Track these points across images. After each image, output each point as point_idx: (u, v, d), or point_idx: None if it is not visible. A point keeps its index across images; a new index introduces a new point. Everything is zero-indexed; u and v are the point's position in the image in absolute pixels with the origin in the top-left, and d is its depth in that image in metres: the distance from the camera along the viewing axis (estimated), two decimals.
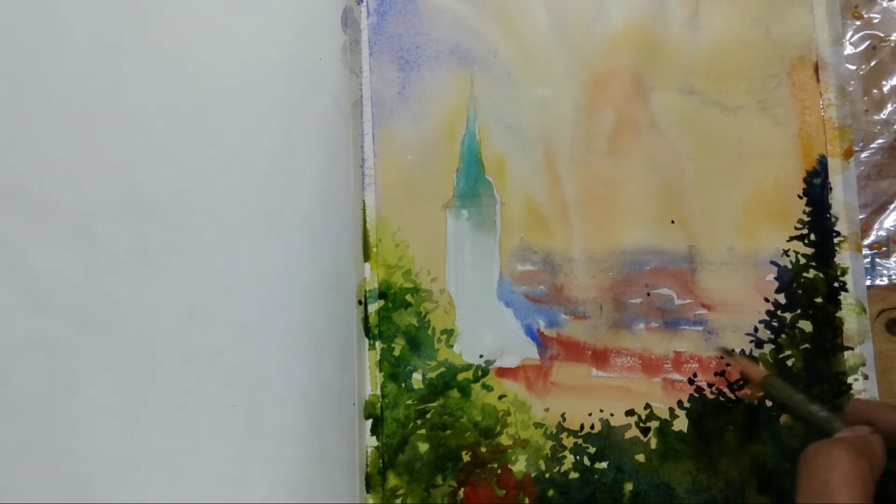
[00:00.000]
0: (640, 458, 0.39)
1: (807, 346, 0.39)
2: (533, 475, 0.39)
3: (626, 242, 0.40)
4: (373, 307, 0.42)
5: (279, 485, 0.38)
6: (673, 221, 0.40)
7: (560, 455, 0.39)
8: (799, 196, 0.40)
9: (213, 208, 0.40)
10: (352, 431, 0.39)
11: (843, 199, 0.39)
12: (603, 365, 0.40)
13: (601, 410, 0.39)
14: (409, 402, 0.41)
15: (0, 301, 0.38)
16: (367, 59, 0.43)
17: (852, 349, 0.38)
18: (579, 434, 0.39)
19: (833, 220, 0.39)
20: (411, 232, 0.42)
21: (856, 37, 0.41)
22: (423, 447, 0.40)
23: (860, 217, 0.40)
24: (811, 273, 0.39)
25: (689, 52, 0.41)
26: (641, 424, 0.39)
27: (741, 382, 0.39)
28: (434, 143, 0.42)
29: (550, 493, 0.39)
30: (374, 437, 0.40)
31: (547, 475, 0.39)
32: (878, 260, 0.40)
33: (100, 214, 0.39)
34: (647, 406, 0.39)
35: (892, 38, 0.41)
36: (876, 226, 0.40)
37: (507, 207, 0.42)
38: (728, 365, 0.39)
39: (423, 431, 0.40)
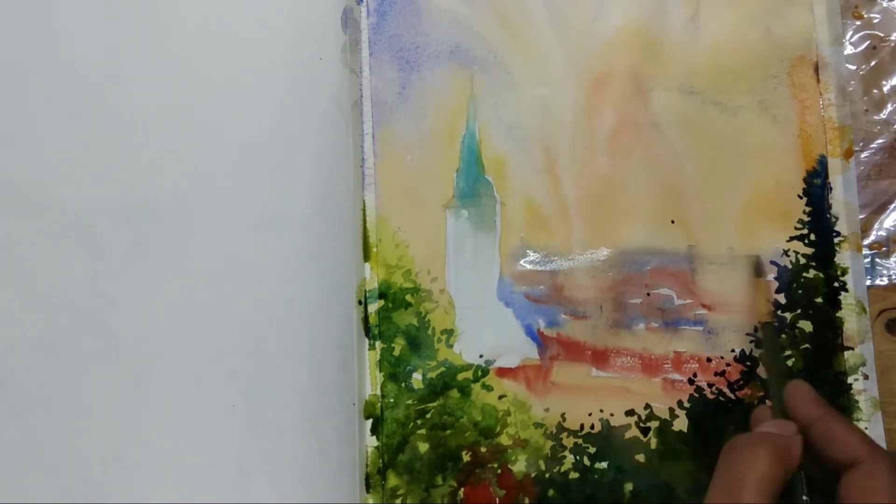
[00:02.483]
0: (640, 458, 0.39)
1: (807, 346, 0.39)
2: (533, 475, 0.39)
3: (626, 242, 0.40)
4: (373, 307, 0.42)
5: (279, 485, 0.38)
6: (673, 221, 0.40)
7: (560, 455, 0.39)
8: (799, 196, 0.40)
9: (213, 208, 0.40)
10: (352, 431, 0.40)
11: (843, 199, 0.39)
12: (603, 365, 0.40)
13: (601, 410, 0.39)
14: (409, 402, 0.41)
15: (0, 301, 0.38)
16: (367, 59, 0.43)
17: (852, 349, 0.38)
18: (579, 434, 0.39)
19: (833, 220, 0.39)
20: (411, 232, 0.42)
21: (856, 37, 0.41)
22: (423, 447, 0.40)
23: (860, 217, 0.40)
24: (811, 273, 0.39)
25: (689, 52, 0.41)
26: (641, 424, 0.39)
27: (741, 382, 0.39)
28: (434, 143, 0.42)
29: (550, 493, 0.39)
30: (374, 437, 0.40)
31: (547, 475, 0.39)
32: (878, 260, 0.40)
33: (100, 214, 0.39)
34: (647, 406, 0.39)
35: (892, 38, 0.41)
36: (876, 226, 0.40)
37: (507, 207, 0.42)
38: (728, 365, 0.39)
39: (423, 431, 0.40)
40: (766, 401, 0.37)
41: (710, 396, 0.39)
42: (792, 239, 0.39)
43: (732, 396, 0.39)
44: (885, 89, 0.41)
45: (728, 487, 0.27)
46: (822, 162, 0.40)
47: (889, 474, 0.27)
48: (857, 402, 0.38)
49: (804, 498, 0.29)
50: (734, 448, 0.29)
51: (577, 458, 0.39)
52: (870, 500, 0.27)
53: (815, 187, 0.40)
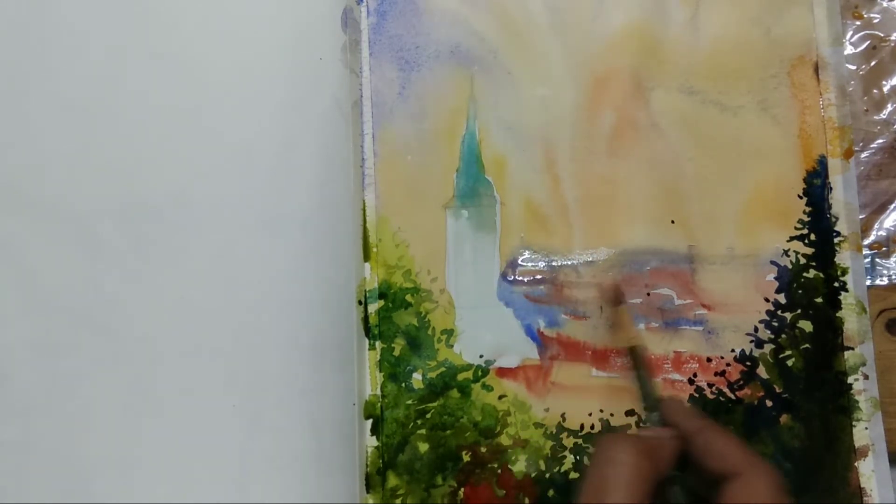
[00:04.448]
0: None
1: (807, 346, 0.39)
2: (533, 475, 0.39)
3: (626, 242, 0.40)
4: (373, 307, 0.42)
5: (279, 485, 0.38)
6: (673, 221, 0.40)
7: (560, 455, 0.39)
8: (799, 196, 0.40)
9: (213, 208, 0.40)
10: (352, 431, 0.40)
11: (843, 199, 0.39)
12: (603, 365, 0.40)
13: (601, 410, 0.39)
14: (409, 402, 0.41)
15: (0, 301, 0.38)
16: (367, 59, 0.43)
17: (852, 349, 0.38)
18: (579, 434, 0.39)
19: (833, 220, 0.39)
20: (411, 232, 0.42)
21: (856, 37, 0.41)
22: (423, 447, 0.40)
23: (860, 217, 0.40)
24: (811, 273, 0.39)
25: (689, 52, 0.41)
26: (641, 424, 0.39)
27: (741, 382, 0.39)
28: (434, 143, 0.42)
29: (550, 493, 0.39)
30: (374, 437, 0.40)
31: (547, 475, 0.39)
32: (878, 260, 0.40)
33: (100, 214, 0.39)
34: None
35: (892, 38, 0.41)
36: (876, 226, 0.40)
37: (507, 207, 0.42)
38: (728, 365, 0.39)
39: (423, 431, 0.40)
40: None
41: (710, 396, 0.39)
42: (792, 239, 0.39)
43: (732, 396, 0.39)
44: (885, 89, 0.41)
45: (595, 488, 0.27)
46: (822, 162, 0.40)
47: (768, 484, 0.27)
48: (857, 402, 0.38)
49: None
50: (600, 448, 0.28)
51: (577, 458, 0.39)
52: None
53: (815, 187, 0.40)
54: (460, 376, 0.41)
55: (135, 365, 0.38)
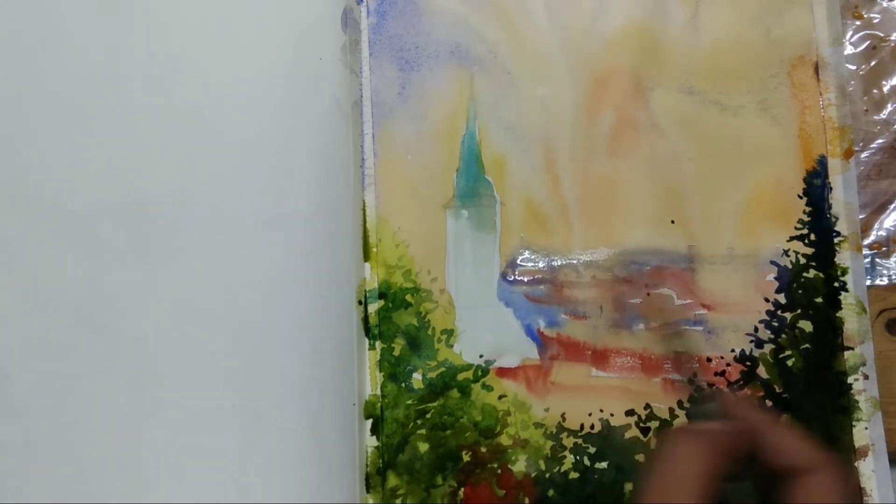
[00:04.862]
0: (640, 458, 0.39)
1: (807, 346, 0.39)
2: (533, 475, 0.39)
3: (626, 242, 0.40)
4: (373, 307, 0.42)
5: (279, 485, 0.38)
6: (673, 221, 0.40)
7: (560, 455, 0.39)
8: (799, 196, 0.40)
9: (213, 208, 0.40)
10: (352, 431, 0.39)
11: (843, 199, 0.39)
12: (603, 365, 0.40)
13: (601, 410, 0.39)
14: (409, 402, 0.41)
15: (0, 301, 0.38)
16: (367, 59, 0.44)
17: (852, 349, 0.38)
18: (579, 434, 0.39)
19: (833, 220, 0.39)
20: (411, 232, 0.42)
21: (856, 37, 0.41)
22: (423, 447, 0.40)
23: (860, 217, 0.40)
24: (811, 273, 0.39)
25: (689, 52, 0.41)
26: (641, 424, 0.39)
27: (741, 382, 0.39)
28: (434, 143, 0.42)
29: (550, 493, 0.39)
30: (374, 437, 0.40)
31: (547, 475, 0.39)
32: (878, 260, 0.40)
33: (100, 214, 0.39)
34: (647, 406, 0.39)
35: (892, 38, 0.41)
36: (876, 226, 0.40)
37: (507, 207, 0.42)
38: (728, 365, 0.39)
39: (423, 431, 0.40)
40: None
41: None
42: (792, 239, 0.39)
43: None
44: (885, 89, 0.41)
45: (659, 485, 0.27)
46: (822, 162, 0.40)
47: (845, 482, 0.27)
48: (857, 402, 0.38)
49: None
50: (676, 440, 0.28)
51: (577, 458, 0.39)
52: None
53: (815, 187, 0.40)
54: (460, 376, 0.41)
55: (135, 365, 0.38)
